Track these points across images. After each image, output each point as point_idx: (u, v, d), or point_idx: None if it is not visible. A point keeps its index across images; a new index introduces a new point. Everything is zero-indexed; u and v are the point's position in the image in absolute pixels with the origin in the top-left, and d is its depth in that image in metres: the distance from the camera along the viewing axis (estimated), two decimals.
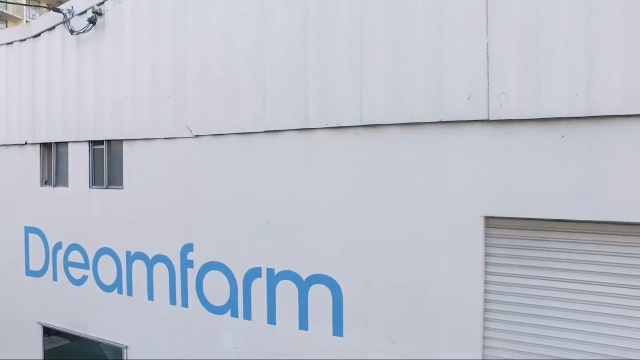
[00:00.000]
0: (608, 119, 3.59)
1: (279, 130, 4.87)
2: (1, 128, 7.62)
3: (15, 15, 40.80)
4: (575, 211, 3.74)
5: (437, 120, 4.08)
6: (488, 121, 3.93)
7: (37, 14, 43.60)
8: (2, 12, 39.66)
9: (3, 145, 7.62)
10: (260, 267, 5.15)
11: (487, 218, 4.07)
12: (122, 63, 6.07)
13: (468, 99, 3.96)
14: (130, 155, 6.06)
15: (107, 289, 6.45)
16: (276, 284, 5.08)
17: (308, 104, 4.66)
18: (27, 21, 41.37)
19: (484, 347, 4.15)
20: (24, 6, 41.48)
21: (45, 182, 7.23)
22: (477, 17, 3.94)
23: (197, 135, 5.42)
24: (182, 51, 5.55)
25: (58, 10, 6.57)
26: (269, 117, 4.91)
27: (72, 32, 6.36)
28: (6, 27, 40.72)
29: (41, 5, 43.32)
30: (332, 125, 4.56)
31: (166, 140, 5.68)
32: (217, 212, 5.41)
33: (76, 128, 6.61)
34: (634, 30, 3.48)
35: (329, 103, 4.54)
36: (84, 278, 6.70)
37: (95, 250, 6.55)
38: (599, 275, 3.88)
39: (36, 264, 7.27)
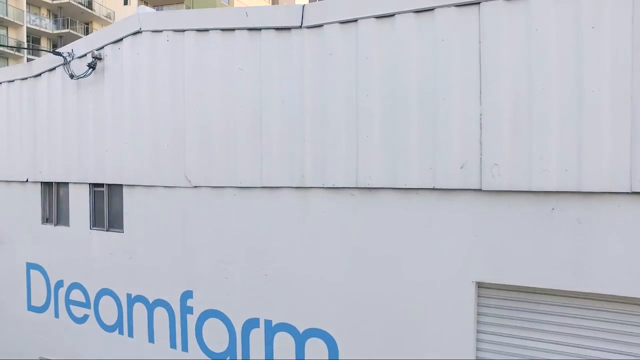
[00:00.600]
0: (597, 195, 3.67)
1: (276, 187, 4.96)
2: (3, 164, 7.71)
3: (15, 22, 40.88)
4: (564, 282, 3.82)
5: (431, 187, 4.17)
6: (481, 190, 4.01)
7: (37, 20, 43.67)
8: (2, 18, 39.73)
9: (5, 181, 7.72)
10: (259, 318, 5.24)
11: (478, 283, 4.16)
12: (122, 108, 6.15)
13: (461, 167, 4.05)
14: (130, 200, 6.15)
15: (108, 329, 6.55)
16: (274, 335, 5.17)
17: (304, 164, 4.75)
18: (27, 27, 41.45)
19: None
20: (25, 12, 41.55)
21: (47, 219, 7.32)
22: (470, 87, 4.02)
23: (196, 186, 5.52)
24: (181, 101, 5.63)
25: (58, 54, 6.65)
26: (266, 173, 5.00)
27: (72, 76, 6.44)
28: (6, 33, 40.80)
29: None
30: (328, 186, 4.64)
31: (166, 189, 5.77)
32: (216, 261, 5.50)
33: (77, 170, 6.70)
34: (622, 114, 3.56)
35: (325, 164, 4.63)
36: (85, 317, 6.80)
37: (97, 291, 6.64)
38: (587, 339, 3.97)
39: (38, 300, 7.37)
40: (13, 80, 7.49)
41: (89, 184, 6.61)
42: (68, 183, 6.87)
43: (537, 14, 3.81)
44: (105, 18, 47.88)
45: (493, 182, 3.93)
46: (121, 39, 6.13)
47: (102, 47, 6.35)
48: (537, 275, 3.89)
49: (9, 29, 40.89)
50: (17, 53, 40.86)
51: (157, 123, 5.83)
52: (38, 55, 43.65)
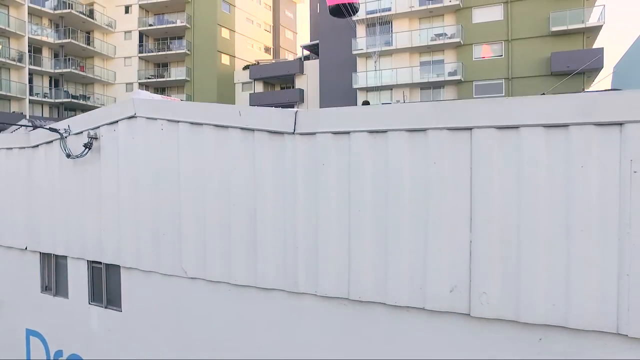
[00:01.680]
0: (583, 331, 3.71)
1: (270, 289, 5.00)
2: (3, 229, 7.78)
3: (17, 32, 40.94)
4: None
5: (421, 307, 4.21)
6: (469, 315, 4.06)
7: (39, 30, 43.71)
8: (4, 29, 39.80)
9: (5, 246, 7.79)
10: None
11: None
12: (118, 191, 6.20)
13: (450, 291, 4.08)
14: (128, 282, 6.21)
15: None
16: None
17: (297, 270, 4.80)
18: (29, 37, 41.50)
19: None
20: (26, 22, 41.60)
21: (46, 287, 7.40)
22: (461, 213, 4.05)
23: (192, 278, 5.57)
24: (176, 189, 5.67)
25: (55, 130, 6.70)
26: (261, 274, 5.05)
27: (68, 156, 6.50)
28: (8, 44, 40.88)
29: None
30: (321, 294, 4.69)
31: (163, 276, 5.82)
32: (213, 357, 5.56)
33: (75, 245, 6.76)
34: (609, 254, 3.59)
35: (318, 273, 4.68)
36: None
37: None
38: None
39: None
40: (11, 148, 7.56)
41: (88, 260, 6.67)
42: (67, 256, 6.95)
43: (528, 146, 3.83)
44: (106, 27, 47.93)
45: (482, 310, 3.97)
46: (117, 121, 6.18)
47: (98, 127, 6.40)
48: None
49: (11, 40, 40.99)
50: (18, 64, 40.97)
51: (153, 209, 5.88)
52: (40, 66, 43.73)
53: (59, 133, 6.65)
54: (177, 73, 47.73)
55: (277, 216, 4.91)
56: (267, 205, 4.97)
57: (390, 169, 4.34)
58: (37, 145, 7.15)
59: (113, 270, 6.44)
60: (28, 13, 41.64)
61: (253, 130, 5.02)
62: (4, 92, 39.78)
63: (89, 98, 47.47)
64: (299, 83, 44.99)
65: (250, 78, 46.62)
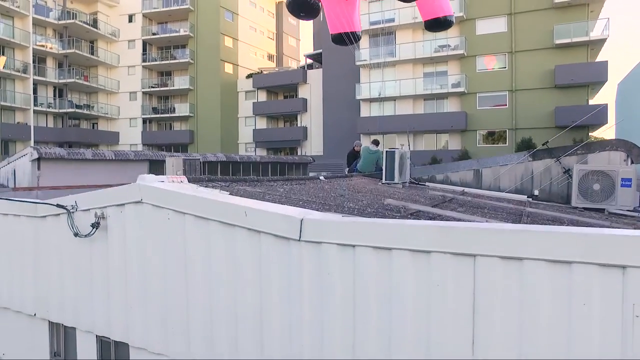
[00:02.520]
0: None
1: None
2: (13, 293, 7.88)
3: (21, 43, 41.15)
4: None
5: None
6: None
7: (43, 40, 43.86)
8: (9, 40, 40.01)
9: (14, 310, 7.89)
10: None
11: None
12: (126, 271, 6.27)
13: None
14: None
15: None
16: None
17: None
18: (33, 48, 41.64)
19: None
20: (31, 33, 41.77)
21: (55, 353, 7.50)
22: (464, 337, 4.10)
23: None
24: (182, 277, 5.74)
25: (61, 206, 6.79)
26: None
27: (76, 235, 6.58)
28: (13, 55, 41.08)
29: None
30: None
31: None
32: None
33: (84, 318, 6.84)
34: None
35: None
36: None
37: None
38: None
39: None
40: (19, 215, 7.65)
41: (96, 335, 6.76)
42: (75, 328, 7.04)
43: (531, 279, 3.88)
44: (110, 36, 48.10)
45: None
46: (123, 204, 6.25)
47: (105, 207, 6.47)
48: None
49: (15, 51, 41.22)
50: (23, 75, 41.19)
51: (161, 294, 5.94)
52: (44, 76, 43.95)
53: (67, 209, 6.73)
54: (180, 82, 47.91)
55: (284, 323, 4.97)
56: (273, 309, 5.03)
57: (394, 286, 4.39)
58: (45, 216, 7.24)
59: (122, 348, 6.53)
60: (32, 24, 41.86)
61: (259, 232, 5.08)
62: (8, 103, 40.03)
63: (92, 107, 47.71)
64: (302, 92, 45.06)
65: (253, 87, 46.76)
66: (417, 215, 6.03)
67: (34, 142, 41.95)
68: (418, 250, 4.29)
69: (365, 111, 38.27)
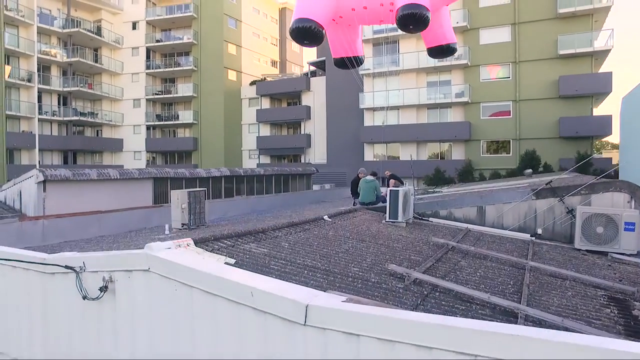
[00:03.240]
0: None
1: None
2: (20, 348, 7.97)
3: (26, 52, 41.34)
4: None
5: None
6: None
7: (48, 48, 44.03)
8: (14, 50, 40.20)
9: None
10: None
11: None
12: (135, 338, 6.36)
13: None
14: None
15: None
16: None
17: None
18: (37, 57, 41.80)
19: None
20: (35, 42, 41.94)
21: None
22: None
23: None
24: (190, 349, 5.82)
25: (70, 268, 6.88)
26: None
27: (84, 297, 6.66)
28: (18, 64, 41.28)
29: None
30: None
31: None
32: None
33: None
34: None
35: None
36: None
37: None
38: None
39: None
40: (28, 270, 7.74)
41: None
42: None
43: None
44: (113, 43, 48.26)
45: None
46: (131, 271, 6.34)
47: (113, 271, 6.55)
48: None
49: (20, 59, 41.41)
50: (27, 83, 41.39)
51: None
52: (49, 85, 44.16)
53: (75, 271, 6.82)
54: (184, 89, 48.05)
55: None
56: None
57: None
58: (54, 274, 7.33)
59: None
60: (37, 32, 42.04)
61: (265, 313, 5.15)
62: (13, 112, 40.25)
63: (97, 115, 47.91)
64: (306, 99, 45.12)
65: (257, 94, 46.85)
66: (419, 284, 6.09)
67: (39, 150, 42.20)
68: (421, 346, 4.36)
69: (369, 120, 38.29)
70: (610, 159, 33.95)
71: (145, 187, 21.32)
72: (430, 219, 11.19)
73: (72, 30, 44.42)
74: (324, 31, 12.90)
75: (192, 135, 48.23)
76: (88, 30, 45.79)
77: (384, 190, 14.30)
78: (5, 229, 12.00)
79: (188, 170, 23.62)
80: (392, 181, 15.21)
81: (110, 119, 48.70)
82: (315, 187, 28.72)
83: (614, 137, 39.02)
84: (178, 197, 11.93)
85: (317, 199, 25.72)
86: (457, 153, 36.27)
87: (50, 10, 44.16)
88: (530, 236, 10.17)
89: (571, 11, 32.10)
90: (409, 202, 10.60)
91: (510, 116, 34.80)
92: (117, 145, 49.10)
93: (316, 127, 44.31)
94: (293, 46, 58.11)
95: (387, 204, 10.34)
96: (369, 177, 12.34)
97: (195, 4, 47.15)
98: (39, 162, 42.41)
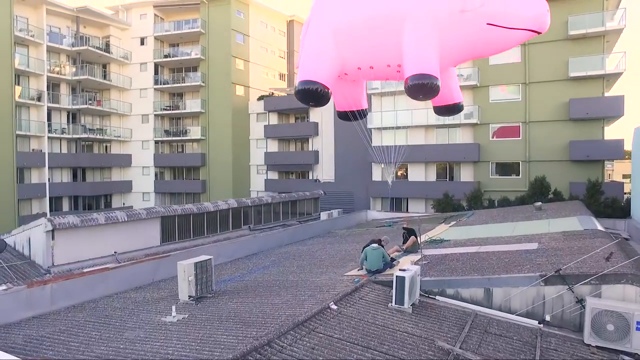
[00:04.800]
0: None
1: None
2: None
3: (36, 72, 41.64)
4: None
5: None
6: None
7: (57, 67, 44.30)
8: (24, 70, 40.53)
9: None
10: None
11: None
12: None
13: None
14: None
15: None
16: None
17: None
18: (47, 76, 42.07)
19: None
20: (45, 61, 42.23)
21: None
22: None
23: None
24: None
25: None
26: None
27: None
28: (28, 83, 41.57)
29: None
30: None
31: None
32: None
33: None
34: None
35: None
36: None
37: None
38: None
39: None
40: None
41: None
42: None
43: None
44: (122, 59, 48.53)
45: None
46: None
47: None
48: None
49: (30, 79, 41.74)
50: (37, 103, 41.71)
51: None
52: (58, 103, 44.46)
53: None
54: (192, 105, 48.18)
55: None
56: None
57: None
58: None
59: None
60: (47, 51, 42.32)
61: None
62: (23, 131, 40.62)
63: (105, 131, 48.18)
64: (314, 115, 45.09)
65: (264, 109, 46.85)
66: None
67: (48, 168, 42.54)
68: None
69: (377, 140, 38.07)
70: (622, 184, 33.52)
71: (153, 227, 21.39)
72: (437, 297, 11.09)
73: (81, 48, 44.67)
74: (329, 92, 12.77)
75: (200, 151, 48.37)
76: (97, 48, 46.02)
77: (391, 250, 14.17)
78: (15, 298, 12.07)
79: (196, 206, 23.66)
80: (411, 238, 15.11)
81: (118, 135, 48.98)
82: (323, 216, 28.61)
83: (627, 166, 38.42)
84: (185, 270, 11.93)
85: (325, 230, 25.62)
86: (466, 174, 36.01)
87: (59, 28, 44.42)
88: (539, 323, 10.04)
89: (582, 33, 31.65)
90: (416, 284, 10.53)
91: (520, 138, 34.46)
92: (125, 161, 49.37)
93: (324, 143, 44.23)
94: None
95: (394, 289, 10.27)
96: (375, 245, 12.34)
97: (203, 20, 47.18)
98: (49, 179, 42.79)
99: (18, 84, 39.83)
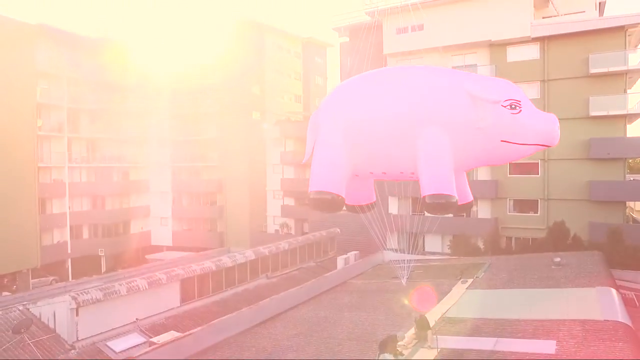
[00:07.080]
0: None
1: None
2: None
3: (57, 104, 42.20)
4: None
5: None
6: None
7: (78, 97, 44.87)
8: (45, 103, 40.99)
9: None
10: None
11: None
12: None
13: None
14: None
15: None
16: None
17: None
18: (67, 107, 42.63)
19: None
20: (66, 92, 42.77)
21: None
22: None
23: None
24: None
25: None
26: None
27: None
28: (49, 115, 42.23)
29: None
30: None
31: None
32: None
33: None
34: None
35: None
36: None
37: None
38: None
39: None
40: None
41: None
42: None
43: None
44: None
45: None
46: None
47: None
48: None
49: (51, 111, 42.26)
50: (58, 134, 42.43)
51: None
52: (78, 133, 45.07)
53: None
54: (208, 130, 48.55)
55: None
56: None
57: None
58: None
59: None
60: (67, 83, 42.98)
61: None
62: (45, 163, 41.38)
63: (124, 158, 48.75)
64: None
65: (280, 134, 46.97)
66: None
67: (69, 197, 43.32)
68: None
69: None
70: None
71: (173, 289, 21.73)
72: None
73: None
74: (343, 199, 12.78)
75: (217, 177, 48.73)
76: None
77: None
78: None
79: (214, 263, 23.94)
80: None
81: (137, 161, 49.56)
82: (340, 261, 28.63)
83: None
84: None
85: (341, 280, 25.62)
86: (483, 211, 35.70)
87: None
88: None
89: (603, 71, 31.10)
90: None
91: (539, 175, 34.03)
92: (143, 187, 49.97)
93: None
94: (317, 79, 57.96)
95: None
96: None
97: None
98: (69, 208, 43.54)
99: (39, 116, 40.54)
